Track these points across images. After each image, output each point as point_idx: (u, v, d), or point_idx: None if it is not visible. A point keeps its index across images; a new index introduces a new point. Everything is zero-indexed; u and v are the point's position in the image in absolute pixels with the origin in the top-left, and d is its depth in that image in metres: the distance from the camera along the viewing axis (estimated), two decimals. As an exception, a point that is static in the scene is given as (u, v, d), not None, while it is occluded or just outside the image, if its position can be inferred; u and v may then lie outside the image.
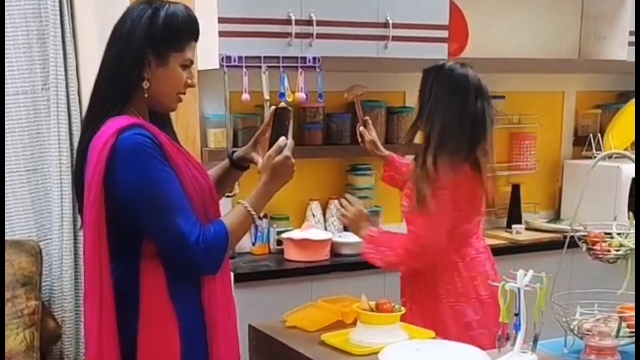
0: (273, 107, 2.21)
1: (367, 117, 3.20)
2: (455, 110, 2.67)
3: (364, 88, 3.27)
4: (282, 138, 2.13)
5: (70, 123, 3.28)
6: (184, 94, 2.08)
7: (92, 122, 2.00)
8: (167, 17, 1.98)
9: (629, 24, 4.20)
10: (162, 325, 1.97)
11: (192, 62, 2.06)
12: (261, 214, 3.31)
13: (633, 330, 2.18)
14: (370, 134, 3.16)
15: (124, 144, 1.89)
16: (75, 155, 2.09)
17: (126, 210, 1.92)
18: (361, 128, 3.18)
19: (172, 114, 2.18)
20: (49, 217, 3.29)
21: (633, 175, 3.85)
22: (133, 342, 1.95)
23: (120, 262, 1.97)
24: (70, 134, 3.29)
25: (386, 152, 3.16)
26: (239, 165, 2.34)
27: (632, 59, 4.21)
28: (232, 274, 2.94)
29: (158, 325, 1.97)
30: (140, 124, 1.94)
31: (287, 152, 2.11)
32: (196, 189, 2.01)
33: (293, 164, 2.12)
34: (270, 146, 2.13)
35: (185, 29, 2.02)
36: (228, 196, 2.61)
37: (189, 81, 2.06)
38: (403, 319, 2.39)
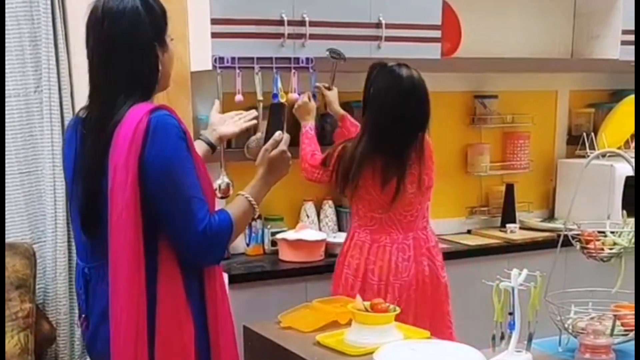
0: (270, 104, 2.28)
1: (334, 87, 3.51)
2: (382, 108, 3.03)
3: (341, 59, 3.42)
4: (278, 132, 2.18)
5: (63, 125, 3.27)
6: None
7: (110, 116, 1.95)
8: (151, 6, 2.00)
9: (621, 23, 4.21)
10: (180, 328, 1.97)
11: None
12: (255, 215, 3.33)
13: (627, 328, 2.19)
14: (330, 97, 3.49)
15: (158, 122, 1.92)
16: (86, 148, 2.01)
17: (150, 189, 1.91)
18: (331, 90, 3.49)
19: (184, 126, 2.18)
20: (42, 219, 3.29)
21: (627, 174, 3.86)
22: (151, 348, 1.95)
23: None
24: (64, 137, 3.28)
25: (342, 112, 3.50)
26: (214, 145, 2.52)
27: (625, 57, 4.20)
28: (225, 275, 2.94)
29: (176, 330, 1.96)
30: (167, 108, 1.98)
31: (283, 146, 2.17)
32: (205, 181, 2.03)
33: (289, 157, 2.20)
34: (266, 141, 2.19)
35: (162, 7, 2.07)
36: (223, 197, 2.61)
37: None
38: (397, 317, 2.40)
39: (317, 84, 3.45)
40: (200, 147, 2.46)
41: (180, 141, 1.94)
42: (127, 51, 1.96)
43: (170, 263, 1.97)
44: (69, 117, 3.28)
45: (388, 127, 3.03)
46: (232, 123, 2.61)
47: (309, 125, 3.37)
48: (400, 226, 3.12)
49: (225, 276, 3.23)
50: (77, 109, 3.31)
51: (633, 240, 2.29)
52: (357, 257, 3.10)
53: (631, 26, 4.20)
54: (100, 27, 1.98)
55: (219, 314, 2.07)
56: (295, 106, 3.37)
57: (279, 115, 2.25)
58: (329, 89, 3.48)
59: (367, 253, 3.09)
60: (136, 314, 1.92)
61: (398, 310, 2.39)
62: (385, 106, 3.03)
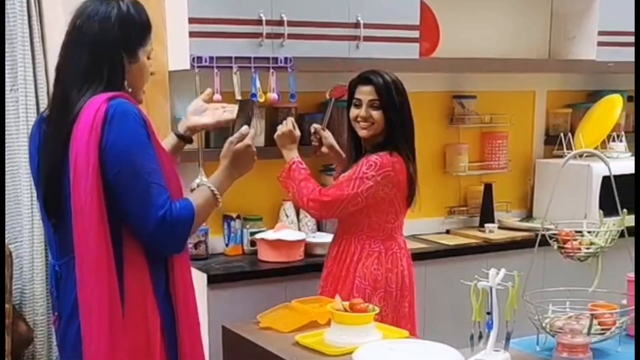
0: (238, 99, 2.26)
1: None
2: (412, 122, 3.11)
3: (345, 88, 3.25)
4: (245, 127, 2.19)
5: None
6: (146, 82, 2.16)
7: (69, 111, 1.97)
8: (131, 15, 2.02)
9: (598, 24, 4.24)
10: (145, 318, 1.97)
11: (152, 50, 2.12)
12: (234, 215, 3.32)
13: (604, 327, 2.20)
14: (329, 138, 3.26)
15: (116, 108, 1.93)
16: (47, 144, 2.02)
17: (110, 175, 1.91)
18: (325, 131, 3.26)
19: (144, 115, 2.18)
20: (19, 219, 3.26)
21: (603, 174, 3.89)
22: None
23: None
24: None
25: (344, 155, 3.26)
26: (185, 137, 2.43)
27: (601, 58, 4.25)
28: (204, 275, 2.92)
29: (141, 312, 1.96)
30: (126, 97, 1.98)
31: (248, 140, 2.18)
32: (169, 174, 2.02)
33: (254, 152, 2.19)
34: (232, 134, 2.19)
35: (147, 23, 2.08)
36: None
37: (151, 69, 2.13)
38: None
39: (315, 125, 3.27)
40: (167, 141, 2.39)
41: (140, 127, 1.95)
42: (88, 50, 1.99)
43: (136, 251, 1.97)
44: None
45: (413, 138, 3.08)
46: (210, 113, 2.45)
47: (297, 158, 3.09)
48: (401, 231, 3.13)
49: (204, 276, 3.23)
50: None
51: (610, 240, 2.31)
52: (374, 267, 3.00)
53: (607, 27, 4.24)
54: (73, 25, 2.02)
55: (189, 304, 2.07)
56: (279, 132, 3.13)
57: (246, 111, 2.25)
58: (323, 129, 3.27)
59: (385, 262, 3.02)
60: (108, 302, 1.91)
61: (377, 310, 2.40)
62: (411, 119, 3.07)
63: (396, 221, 3.07)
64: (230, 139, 2.18)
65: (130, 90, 2.04)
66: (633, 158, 4.40)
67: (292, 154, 3.11)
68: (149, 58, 2.10)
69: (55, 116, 2.02)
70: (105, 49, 1.99)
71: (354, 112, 3.04)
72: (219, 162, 2.20)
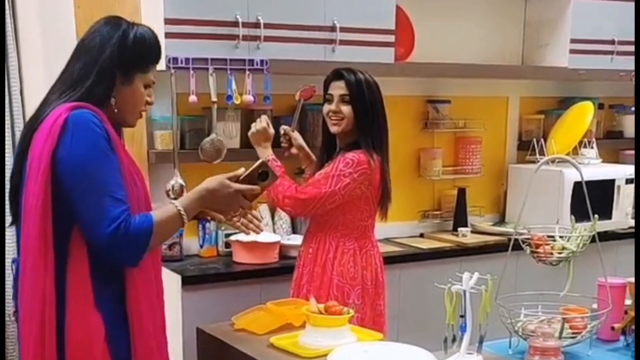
0: (260, 161, 2.16)
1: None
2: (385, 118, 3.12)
3: (313, 89, 3.28)
4: (242, 169, 2.12)
5: (13, 125, 3.22)
6: (145, 111, 2.17)
7: (38, 116, 2.02)
8: (136, 40, 2.06)
9: (570, 32, 4.29)
10: (86, 319, 1.96)
11: (153, 83, 2.14)
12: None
13: (575, 331, 2.23)
14: (298, 140, 3.27)
15: (76, 118, 1.93)
16: (17, 145, 2.10)
17: (65, 185, 1.92)
18: (294, 132, 3.26)
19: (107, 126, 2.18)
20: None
21: (575, 180, 3.93)
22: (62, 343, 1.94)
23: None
24: (13, 135, 3.23)
25: (313, 156, 3.27)
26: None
27: (573, 65, 4.30)
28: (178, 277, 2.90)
29: (82, 321, 1.95)
30: (90, 107, 1.98)
31: (241, 186, 2.09)
32: (132, 188, 2.01)
33: (238, 202, 2.11)
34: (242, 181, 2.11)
35: (152, 53, 2.11)
36: (176, 199, 2.51)
37: (148, 99, 2.13)
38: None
39: (285, 127, 3.26)
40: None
41: (99, 138, 1.93)
42: (82, 61, 2.03)
43: (80, 262, 1.96)
44: (18, 116, 3.23)
45: (387, 138, 3.10)
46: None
47: (272, 156, 3.10)
48: (373, 230, 3.17)
49: (179, 278, 3.22)
50: (27, 109, 3.28)
51: (581, 245, 2.34)
52: (350, 264, 3.03)
53: (579, 35, 4.30)
54: (81, 40, 2.09)
55: (142, 321, 2.03)
56: (253, 130, 3.15)
57: (262, 177, 2.13)
58: (292, 131, 3.27)
59: (360, 260, 3.05)
60: (41, 304, 1.91)
61: (352, 313, 2.41)
62: (384, 120, 3.08)
63: (369, 219, 3.10)
64: (228, 175, 2.10)
65: (116, 110, 2.05)
66: (603, 164, 4.46)
67: (266, 152, 3.12)
68: (146, 87, 2.11)
69: (29, 119, 2.06)
70: (97, 62, 2.01)
71: (326, 107, 3.08)
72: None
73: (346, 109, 3.02)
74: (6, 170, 3.18)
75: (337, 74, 3.05)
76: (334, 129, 3.05)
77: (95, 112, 1.97)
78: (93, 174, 1.92)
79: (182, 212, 2.02)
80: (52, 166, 1.91)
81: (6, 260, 3.20)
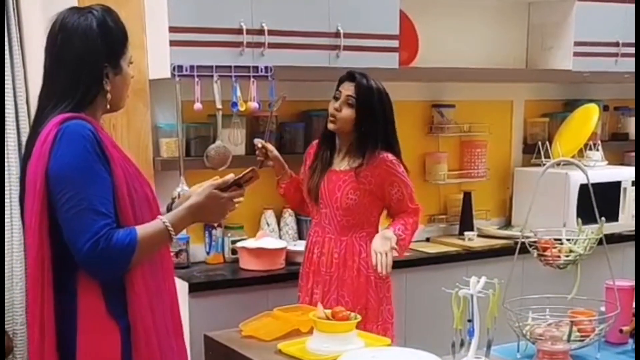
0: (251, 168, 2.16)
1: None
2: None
3: (284, 97, 3.35)
4: (231, 175, 2.11)
5: (18, 128, 3.23)
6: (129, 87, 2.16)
7: (38, 124, 2.02)
8: (109, 27, 2.03)
9: (574, 35, 4.29)
10: (101, 333, 1.96)
11: (131, 55, 2.12)
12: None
13: (584, 334, 2.23)
14: (274, 151, 3.29)
15: (67, 130, 1.92)
16: (22, 157, 2.11)
17: (52, 197, 1.91)
18: (269, 145, 3.28)
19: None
20: (-3, 228, 3.23)
21: (581, 182, 3.93)
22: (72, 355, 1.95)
23: (59, 270, 1.96)
24: (19, 140, 3.24)
25: (287, 166, 3.32)
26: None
27: (577, 68, 4.30)
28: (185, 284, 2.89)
29: (97, 335, 1.95)
30: (83, 117, 1.97)
31: (232, 194, 2.09)
32: (130, 193, 1.99)
33: (227, 205, 2.10)
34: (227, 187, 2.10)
35: (123, 30, 2.08)
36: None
37: (132, 73, 2.13)
38: (358, 327, 2.41)
39: (258, 140, 3.29)
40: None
41: (85, 152, 1.91)
42: (69, 66, 1.99)
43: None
44: (24, 119, 3.24)
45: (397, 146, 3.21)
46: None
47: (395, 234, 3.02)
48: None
49: (186, 285, 3.22)
50: (32, 112, 3.29)
51: (588, 247, 2.34)
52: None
53: (583, 38, 4.30)
54: (54, 40, 2.02)
55: (145, 325, 2.01)
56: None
57: (248, 180, 2.13)
58: (267, 142, 3.30)
59: None
60: (39, 319, 1.93)
61: (359, 318, 2.41)
62: (389, 129, 3.15)
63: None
64: (215, 182, 2.09)
65: (109, 103, 2.04)
66: (609, 167, 4.45)
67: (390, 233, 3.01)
68: (130, 64, 2.10)
69: (31, 127, 2.08)
70: (86, 65, 1.99)
71: (331, 104, 3.10)
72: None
73: (347, 111, 3.03)
74: (6, 171, 3.20)
75: (351, 76, 3.08)
76: (330, 126, 3.09)
77: (89, 121, 1.96)
78: (73, 189, 1.89)
79: (170, 228, 2.00)
80: (46, 183, 1.91)
81: (6, 260, 3.22)
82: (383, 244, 2.92)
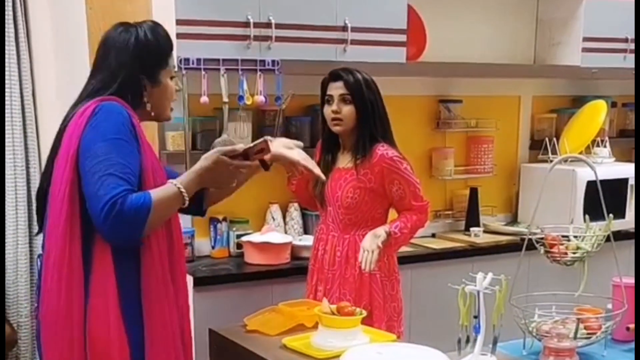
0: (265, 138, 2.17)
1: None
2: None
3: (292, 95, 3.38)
4: (240, 145, 2.13)
5: (24, 124, 3.23)
6: (175, 99, 2.25)
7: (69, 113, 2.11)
8: (148, 42, 2.12)
9: (582, 30, 4.27)
10: (107, 318, 1.99)
11: (174, 69, 2.22)
12: (220, 217, 3.29)
13: (590, 332, 2.22)
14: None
15: (105, 106, 2.01)
16: (50, 149, 2.14)
17: (79, 164, 1.96)
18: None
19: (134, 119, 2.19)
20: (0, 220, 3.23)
21: (588, 179, 3.91)
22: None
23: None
24: (25, 136, 3.24)
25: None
26: (267, 165, 2.29)
27: (585, 64, 4.27)
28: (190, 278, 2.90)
29: (103, 320, 1.99)
30: (122, 103, 2.05)
31: (240, 163, 2.11)
32: (154, 179, 2.06)
33: (236, 174, 2.14)
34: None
35: (166, 46, 2.17)
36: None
37: (176, 87, 2.22)
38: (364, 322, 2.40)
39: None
40: None
41: (120, 125, 1.99)
42: (106, 73, 2.11)
43: (104, 250, 1.99)
44: (30, 116, 3.24)
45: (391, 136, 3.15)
46: (298, 153, 2.40)
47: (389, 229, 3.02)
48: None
49: (190, 279, 3.21)
50: (39, 109, 3.29)
51: (596, 244, 2.32)
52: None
53: (591, 34, 4.27)
54: (96, 54, 2.17)
55: (163, 313, 2.06)
56: None
57: (258, 150, 2.14)
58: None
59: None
60: (68, 279, 1.96)
61: (364, 313, 2.40)
62: (386, 118, 3.11)
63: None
64: (224, 148, 2.12)
65: (152, 113, 2.15)
66: (616, 163, 4.43)
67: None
68: (172, 78, 2.18)
69: (61, 123, 2.12)
70: (120, 74, 2.09)
71: (326, 109, 3.07)
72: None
73: (347, 109, 3.01)
74: (6, 171, 3.20)
75: (334, 76, 3.05)
76: (336, 129, 3.05)
77: (124, 105, 2.04)
78: (100, 152, 1.95)
79: (182, 190, 2.03)
80: (77, 153, 1.97)
81: (6, 260, 3.22)
82: (371, 242, 2.91)
